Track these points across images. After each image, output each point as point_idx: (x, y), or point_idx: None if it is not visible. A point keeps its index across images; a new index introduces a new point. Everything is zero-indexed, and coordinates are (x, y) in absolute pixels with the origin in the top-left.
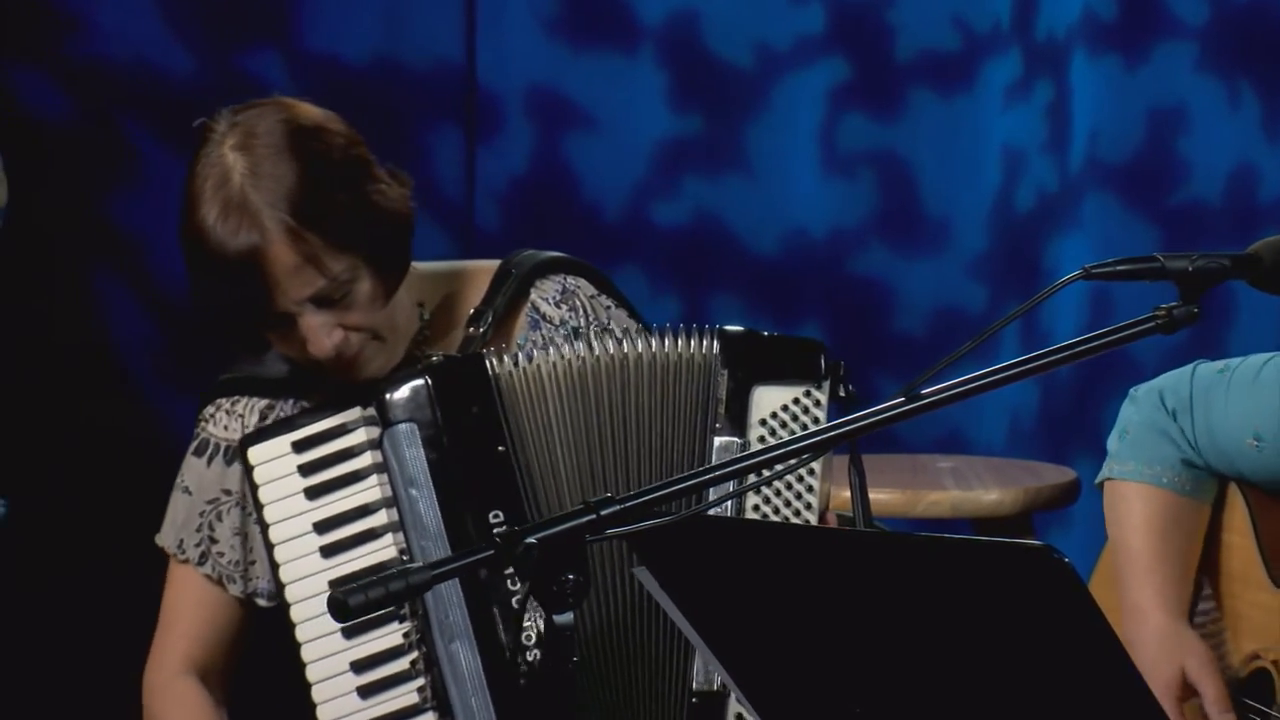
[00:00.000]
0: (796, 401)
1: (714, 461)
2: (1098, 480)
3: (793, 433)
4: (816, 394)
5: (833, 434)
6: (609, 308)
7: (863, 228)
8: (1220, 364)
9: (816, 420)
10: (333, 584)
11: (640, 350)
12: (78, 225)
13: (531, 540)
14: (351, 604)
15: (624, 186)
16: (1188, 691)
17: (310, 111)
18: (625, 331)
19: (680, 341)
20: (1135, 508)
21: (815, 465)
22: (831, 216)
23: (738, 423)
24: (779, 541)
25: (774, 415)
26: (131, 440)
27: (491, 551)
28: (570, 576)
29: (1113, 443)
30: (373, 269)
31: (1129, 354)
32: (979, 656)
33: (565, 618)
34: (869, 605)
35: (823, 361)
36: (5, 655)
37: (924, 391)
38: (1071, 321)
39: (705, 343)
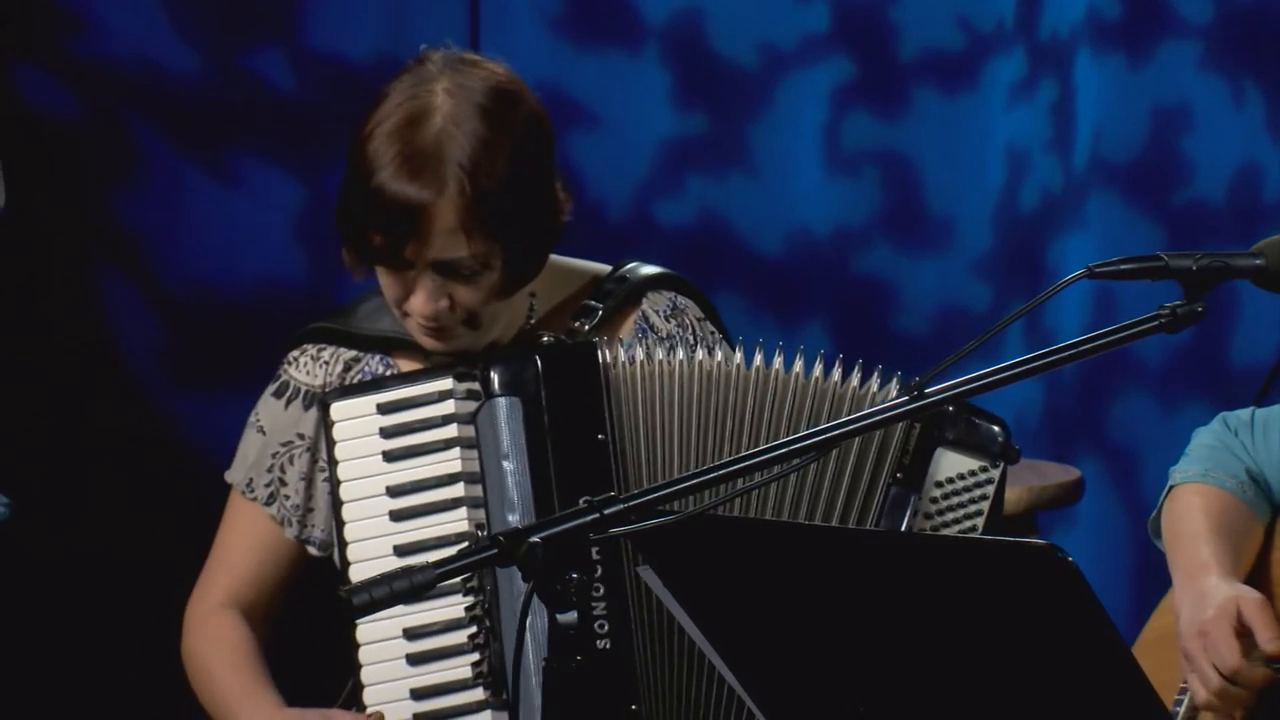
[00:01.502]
0: (973, 473)
1: (885, 510)
2: (1153, 516)
3: (963, 503)
4: (993, 471)
5: (835, 434)
6: (713, 333)
7: (867, 226)
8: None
9: (985, 497)
10: (397, 549)
11: (797, 370)
12: (82, 224)
13: (535, 539)
14: (356, 603)
15: (628, 185)
16: (1241, 627)
17: (525, 93)
18: (780, 349)
19: (857, 377)
20: (1195, 501)
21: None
22: (835, 215)
23: (916, 478)
24: (782, 540)
25: (950, 480)
26: (135, 439)
27: (495, 550)
28: (574, 575)
29: (1174, 467)
30: (506, 265)
31: (1133, 353)
32: (983, 655)
33: (569, 616)
34: (873, 604)
35: (1006, 442)
36: (7, 655)
37: (928, 390)
38: (1075, 320)
39: (901, 390)
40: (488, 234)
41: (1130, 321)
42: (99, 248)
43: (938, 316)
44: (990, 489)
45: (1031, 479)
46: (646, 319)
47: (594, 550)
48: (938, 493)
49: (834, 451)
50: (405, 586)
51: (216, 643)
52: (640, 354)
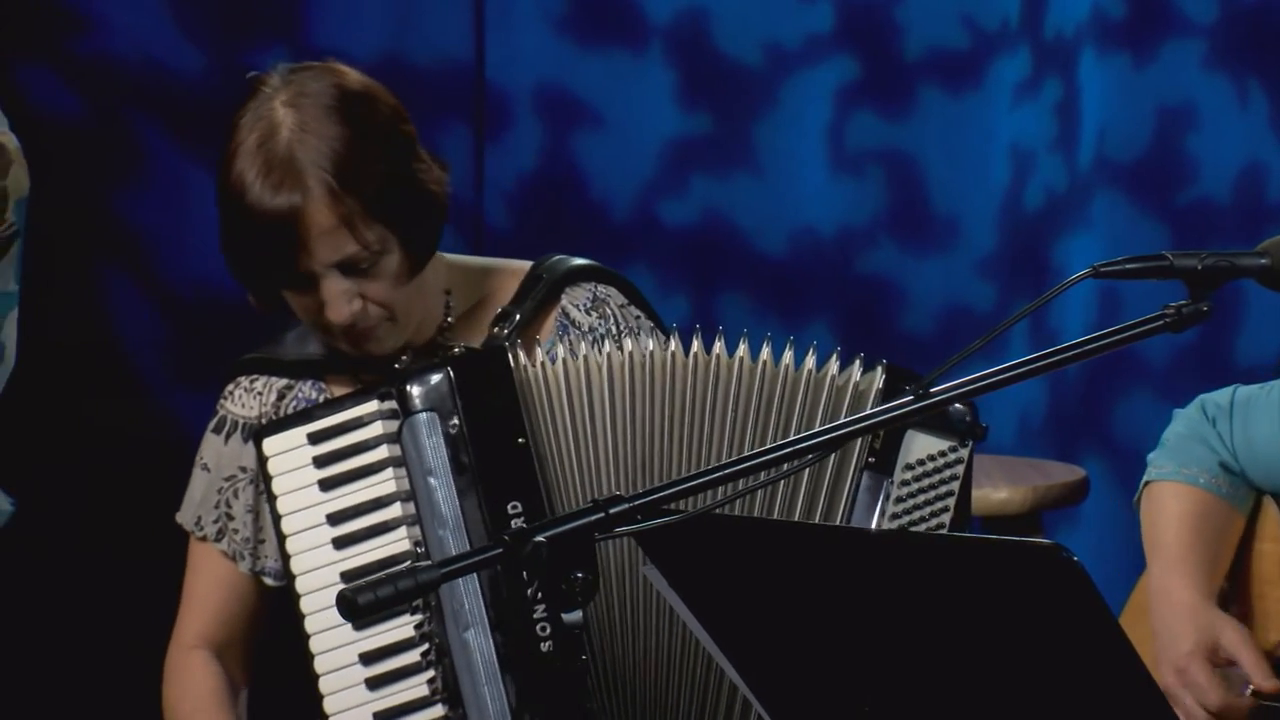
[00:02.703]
0: (943, 454)
1: (858, 494)
2: (1135, 497)
3: (934, 484)
4: (961, 451)
5: (841, 433)
6: (638, 318)
7: (871, 226)
8: (1260, 385)
9: (955, 477)
10: (344, 575)
11: (742, 355)
12: (85, 223)
13: (540, 539)
14: (360, 603)
15: (632, 185)
16: (1221, 660)
17: (363, 80)
18: (721, 333)
19: (814, 360)
20: (1169, 505)
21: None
22: (840, 215)
23: (887, 462)
24: (787, 540)
25: (920, 462)
26: (138, 438)
27: (500, 550)
28: (579, 575)
29: (1152, 455)
30: (403, 244)
31: (1138, 352)
32: (988, 654)
33: (574, 616)
34: (878, 604)
35: (974, 420)
36: (7, 655)
37: (933, 390)
38: (1080, 320)
39: (868, 374)
40: (370, 220)
41: (1135, 321)
42: (102, 247)
43: (942, 316)
44: (960, 469)
45: (1036, 478)
46: (566, 315)
47: None
48: (908, 475)
49: (793, 432)
50: (410, 585)
51: (184, 686)
52: (562, 352)
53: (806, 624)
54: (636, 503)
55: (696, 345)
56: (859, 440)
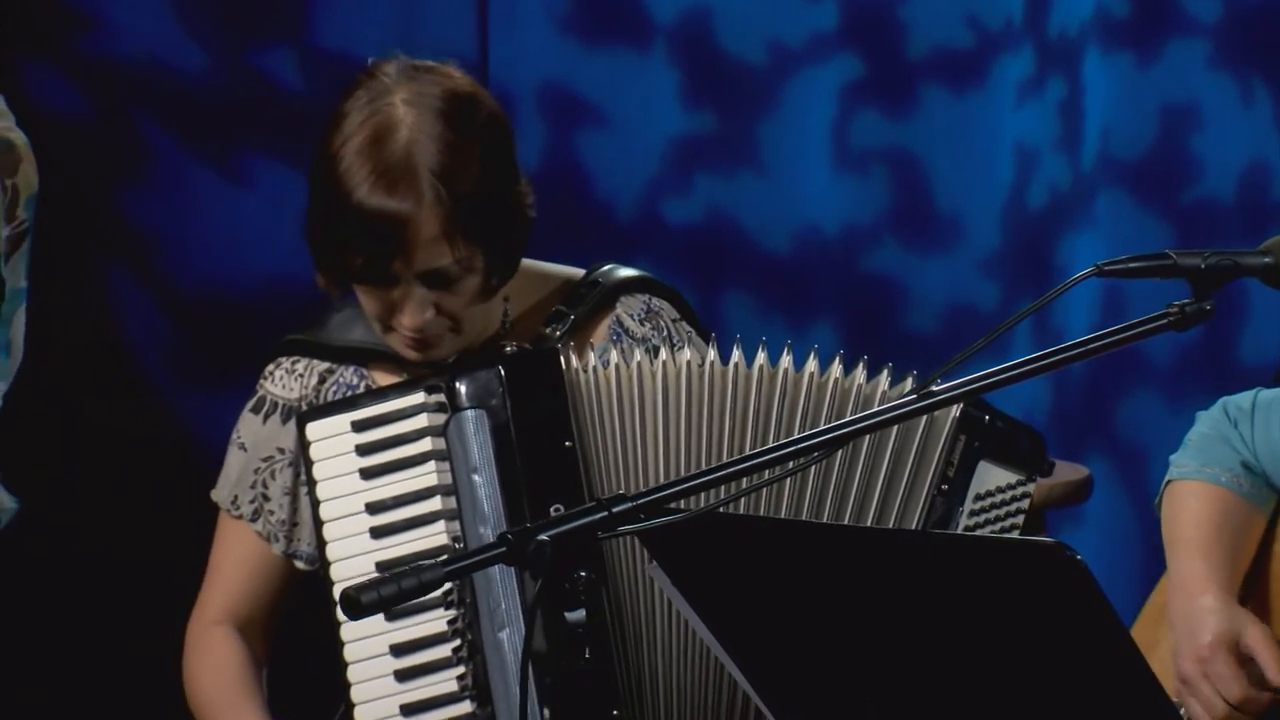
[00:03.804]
0: (1011, 486)
1: (929, 522)
2: (1157, 499)
3: (1000, 516)
4: (1028, 486)
5: (844, 432)
6: (690, 333)
7: (875, 225)
8: None
9: (1022, 510)
10: (380, 566)
11: (812, 370)
12: (89, 222)
13: (543, 538)
14: (364, 601)
15: (636, 184)
16: (1241, 655)
17: (481, 95)
18: (790, 348)
19: (862, 374)
20: (1190, 503)
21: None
22: (844, 214)
23: (959, 489)
24: (791, 539)
25: (990, 493)
26: (142, 438)
27: (504, 549)
28: (583, 574)
29: (1174, 455)
30: (487, 265)
31: (1141, 351)
32: (992, 653)
33: (577, 615)
34: (882, 603)
35: (1044, 454)
36: (8, 655)
37: (936, 389)
38: (1084, 319)
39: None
40: (469, 237)
41: (1139, 320)
42: (105, 246)
43: (946, 315)
44: (1025, 502)
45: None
46: (620, 323)
47: None
48: (977, 505)
49: (864, 454)
50: (414, 584)
51: (206, 659)
52: (615, 357)
53: (810, 623)
54: (640, 501)
55: (762, 357)
56: (933, 466)
